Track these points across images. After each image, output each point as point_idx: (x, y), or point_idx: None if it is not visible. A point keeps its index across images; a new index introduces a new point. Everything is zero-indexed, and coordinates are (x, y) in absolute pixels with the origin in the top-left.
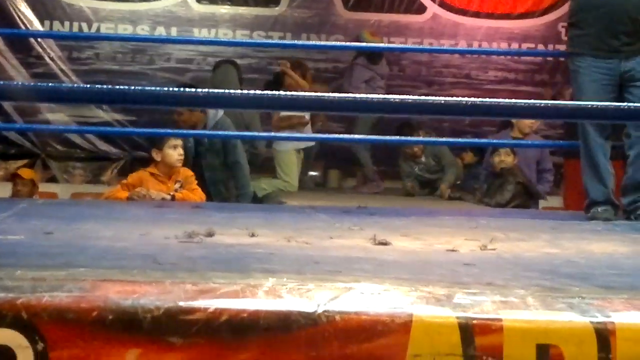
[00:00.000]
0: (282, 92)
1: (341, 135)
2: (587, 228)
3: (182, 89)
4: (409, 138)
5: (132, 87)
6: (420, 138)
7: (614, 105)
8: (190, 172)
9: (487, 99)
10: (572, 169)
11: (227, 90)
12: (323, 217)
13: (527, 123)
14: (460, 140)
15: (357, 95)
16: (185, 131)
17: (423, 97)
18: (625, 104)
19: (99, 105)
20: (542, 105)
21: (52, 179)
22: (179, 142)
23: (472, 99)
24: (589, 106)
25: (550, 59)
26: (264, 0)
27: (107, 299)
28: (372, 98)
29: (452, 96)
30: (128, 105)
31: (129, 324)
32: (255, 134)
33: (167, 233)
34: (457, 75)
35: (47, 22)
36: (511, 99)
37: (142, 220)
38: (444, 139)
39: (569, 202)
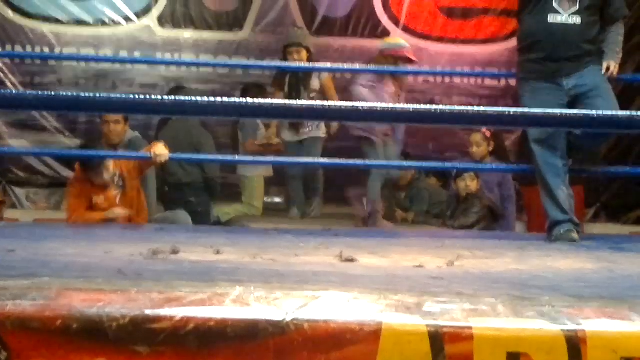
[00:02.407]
0: (257, 100)
1: (300, 159)
2: (552, 247)
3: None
4: (373, 162)
5: (108, 95)
6: (383, 162)
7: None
8: (130, 162)
9: (457, 107)
10: (531, 195)
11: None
12: (288, 238)
13: (478, 152)
14: (423, 164)
15: (328, 103)
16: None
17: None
18: (573, 110)
19: (60, 131)
20: (501, 113)
21: (14, 206)
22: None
23: (442, 106)
24: (542, 114)
25: (513, 84)
26: (227, 24)
27: (71, 307)
28: (344, 105)
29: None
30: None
31: (94, 333)
32: (205, 156)
33: (132, 251)
34: (421, 101)
35: (8, 47)
36: None
37: (105, 239)
38: (407, 163)
39: (533, 227)
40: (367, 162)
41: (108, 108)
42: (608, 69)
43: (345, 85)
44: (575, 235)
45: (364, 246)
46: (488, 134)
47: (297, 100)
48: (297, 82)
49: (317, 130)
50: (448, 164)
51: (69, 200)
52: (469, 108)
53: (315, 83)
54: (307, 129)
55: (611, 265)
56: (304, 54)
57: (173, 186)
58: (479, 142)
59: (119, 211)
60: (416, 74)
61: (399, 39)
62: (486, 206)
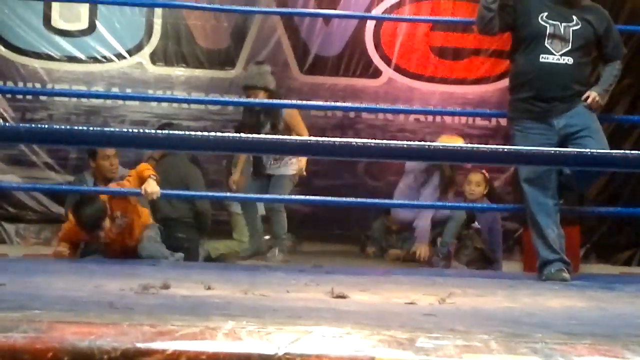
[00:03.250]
0: (251, 135)
1: (295, 197)
2: (544, 286)
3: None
4: (360, 200)
5: (102, 129)
6: (380, 200)
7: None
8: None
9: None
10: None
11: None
12: (279, 274)
13: (477, 191)
14: (413, 203)
15: (321, 139)
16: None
17: (382, 142)
18: (565, 149)
19: (50, 166)
20: (491, 150)
21: (3, 241)
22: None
23: (429, 143)
24: (532, 152)
25: (504, 124)
26: (219, 62)
27: (63, 340)
28: (333, 142)
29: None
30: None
31: None
32: (193, 193)
33: (122, 285)
34: (411, 140)
35: (0, 82)
36: None
37: (95, 274)
38: (398, 202)
39: (529, 267)
40: (359, 200)
41: (100, 142)
42: (588, 97)
43: (339, 124)
44: (566, 275)
45: (355, 283)
46: (487, 175)
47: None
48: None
49: (286, 167)
50: (445, 204)
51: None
52: (463, 145)
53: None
54: (271, 165)
55: (603, 304)
56: (262, 95)
57: (161, 222)
58: (480, 181)
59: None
60: (407, 112)
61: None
62: (479, 249)
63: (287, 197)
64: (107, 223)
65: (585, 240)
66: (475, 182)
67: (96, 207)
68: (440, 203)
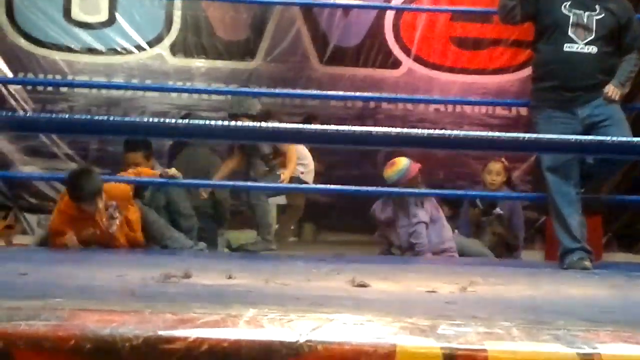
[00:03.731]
0: (268, 124)
1: (318, 186)
2: (565, 274)
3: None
4: (384, 189)
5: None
6: (398, 189)
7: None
8: (125, 190)
9: (470, 132)
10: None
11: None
12: (300, 264)
13: (497, 181)
14: (436, 191)
15: (340, 128)
16: (159, 179)
17: (405, 130)
18: (587, 137)
19: (71, 157)
20: (516, 138)
21: (25, 232)
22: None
23: (454, 132)
24: (557, 139)
25: (524, 114)
26: (239, 53)
27: (84, 327)
28: (354, 131)
29: (425, 150)
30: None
31: (107, 353)
32: (218, 182)
33: (144, 275)
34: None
35: (21, 75)
36: None
37: (117, 263)
38: (418, 190)
39: (550, 255)
40: (379, 189)
41: (119, 131)
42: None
43: (358, 115)
44: (587, 263)
45: (376, 272)
46: (507, 164)
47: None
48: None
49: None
50: (464, 192)
51: (53, 224)
52: (485, 133)
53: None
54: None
55: (625, 292)
56: (245, 120)
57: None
58: (500, 170)
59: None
60: (427, 102)
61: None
62: (498, 234)
63: (308, 186)
64: (100, 204)
65: (607, 229)
66: (495, 172)
67: (93, 179)
68: (462, 192)
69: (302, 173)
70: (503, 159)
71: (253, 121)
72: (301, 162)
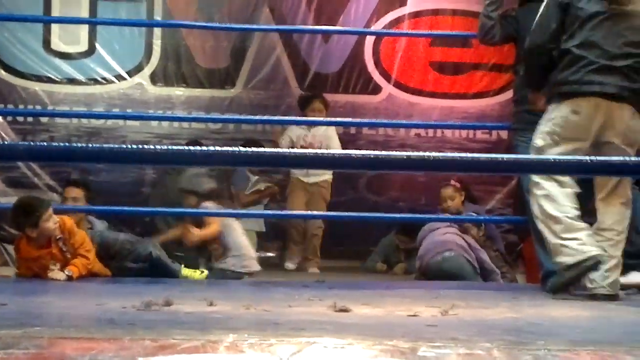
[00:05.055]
0: (261, 149)
1: (298, 212)
2: (547, 296)
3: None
4: (368, 214)
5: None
6: (383, 215)
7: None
8: (69, 222)
9: (449, 154)
10: (531, 247)
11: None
12: (281, 290)
13: (453, 205)
14: (419, 216)
15: (326, 151)
16: (158, 209)
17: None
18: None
19: (53, 189)
20: (499, 159)
21: (6, 263)
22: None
23: (435, 153)
24: (549, 160)
25: (505, 137)
26: (219, 82)
27: (64, 355)
28: (333, 154)
29: (406, 175)
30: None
31: None
32: (187, 210)
33: (124, 303)
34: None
35: (1, 106)
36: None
37: (97, 292)
38: (401, 215)
39: (532, 279)
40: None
41: (99, 158)
42: None
43: (340, 141)
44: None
45: (358, 297)
46: (459, 185)
47: None
48: None
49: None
50: (446, 216)
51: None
52: (465, 155)
53: None
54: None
55: (606, 313)
56: (192, 198)
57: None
58: (451, 194)
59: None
60: (408, 126)
61: None
62: (497, 251)
63: (291, 213)
64: (51, 224)
65: None
66: (448, 197)
67: (32, 204)
68: (448, 216)
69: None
70: (452, 181)
71: (199, 199)
72: (234, 253)
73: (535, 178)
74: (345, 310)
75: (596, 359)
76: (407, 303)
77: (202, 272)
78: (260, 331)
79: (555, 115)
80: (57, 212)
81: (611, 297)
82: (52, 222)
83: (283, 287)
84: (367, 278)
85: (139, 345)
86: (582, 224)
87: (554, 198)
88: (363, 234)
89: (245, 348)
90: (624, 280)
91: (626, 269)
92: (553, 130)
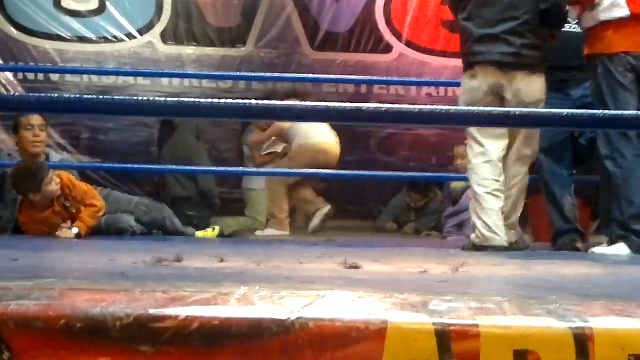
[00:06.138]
0: (264, 102)
1: (310, 171)
2: (557, 254)
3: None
4: (378, 173)
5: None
6: (392, 173)
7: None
8: (66, 176)
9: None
10: (536, 205)
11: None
12: (292, 247)
13: (463, 164)
14: (427, 175)
15: (330, 104)
16: (162, 167)
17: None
18: (578, 110)
19: (63, 147)
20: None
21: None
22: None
23: (447, 107)
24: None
25: None
26: (230, 40)
27: (75, 307)
28: (344, 107)
29: (417, 135)
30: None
31: (98, 332)
32: (203, 168)
33: (135, 259)
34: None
35: (12, 64)
36: None
37: (108, 249)
38: (411, 174)
39: (539, 237)
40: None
41: (109, 110)
42: None
43: (350, 100)
44: (579, 245)
45: (368, 255)
46: None
47: None
48: None
49: None
50: (456, 175)
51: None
52: (476, 109)
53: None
54: None
55: (617, 270)
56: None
57: (171, 201)
58: (464, 153)
59: (69, 233)
60: (420, 84)
61: None
62: None
63: (301, 171)
64: (53, 187)
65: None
66: (460, 155)
67: (33, 170)
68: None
69: None
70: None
71: None
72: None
73: None
74: (356, 267)
75: (608, 312)
76: (417, 261)
77: (214, 229)
78: (271, 284)
79: (463, 85)
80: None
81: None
82: (54, 184)
83: (294, 245)
84: (378, 237)
85: (150, 297)
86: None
87: None
88: (374, 193)
89: (256, 300)
90: (609, 250)
91: (616, 239)
92: (464, 98)
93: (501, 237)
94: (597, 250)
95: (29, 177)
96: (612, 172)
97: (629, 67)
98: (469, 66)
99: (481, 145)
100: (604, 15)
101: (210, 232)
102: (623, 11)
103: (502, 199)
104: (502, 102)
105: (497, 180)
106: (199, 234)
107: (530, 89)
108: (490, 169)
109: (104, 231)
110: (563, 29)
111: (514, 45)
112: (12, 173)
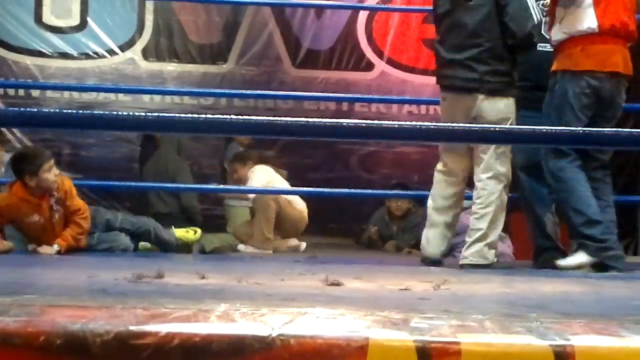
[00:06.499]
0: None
1: (291, 188)
2: (538, 272)
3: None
4: (358, 191)
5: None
6: (372, 191)
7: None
8: (69, 183)
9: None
10: (516, 222)
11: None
12: (273, 264)
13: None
14: (407, 193)
15: (312, 120)
16: (155, 184)
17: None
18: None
19: None
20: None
21: None
22: (52, 163)
23: (426, 123)
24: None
25: None
26: (211, 57)
27: (55, 323)
28: (324, 123)
29: (400, 152)
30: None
31: (78, 349)
32: (183, 185)
33: (116, 275)
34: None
35: None
36: None
37: (89, 265)
38: (391, 192)
39: (520, 254)
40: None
41: (89, 125)
42: None
43: (332, 117)
44: (560, 262)
45: (350, 272)
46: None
47: None
48: None
49: None
50: None
51: None
52: (458, 125)
53: None
54: None
55: (598, 288)
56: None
57: (153, 217)
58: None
59: (49, 249)
60: (401, 102)
61: None
62: None
63: (280, 189)
64: (51, 177)
65: None
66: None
67: (36, 154)
68: None
69: None
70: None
71: None
72: None
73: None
74: (337, 284)
75: (588, 330)
76: (399, 278)
77: (196, 232)
78: (252, 301)
79: (440, 105)
80: None
81: (476, 266)
82: (52, 174)
83: (275, 262)
84: (359, 254)
85: (130, 314)
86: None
87: None
88: (355, 211)
89: (237, 317)
90: (570, 261)
91: (576, 249)
92: (442, 118)
93: (434, 250)
94: (560, 262)
95: (29, 159)
96: (555, 187)
97: (588, 91)
98: (440, 88)
99: (443, 162)
100: (573, 27)
101: (192, 235)
102: (592, 22)
103: (449, 214)
104: (473, 122)
105: (446, 198)
106: (179, 233)
107: (495, 109)
108: (444, 186)
109: (97, 249)
110: (544, 49)
111: (477, 72)
112: (13, 155)
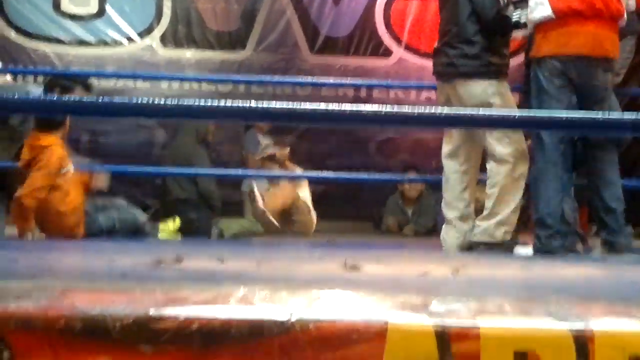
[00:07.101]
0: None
1: (309, 174)
2: (558, 257)
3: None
4: (376, 176)
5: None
6: (389, 176)
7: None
8: (58, 154)
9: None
10: None
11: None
12: (292, 249)
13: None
14: (425, 178)
15: (330, 106)
16: (163, 170)
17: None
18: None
19: None
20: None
21: None
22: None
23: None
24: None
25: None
26: (229, 44)
27: (75, 307)
28: (343, 109)
29: (417, 138)
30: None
31: (97, 333)
32: (202, 171)
33: (135, 261)
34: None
35: (11, 67)
36: None
37: (108, 250)
38: (408, 177)
39: None
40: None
41: (108, 112)
42: None
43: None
44: (579, 247)
45: (368, 256)
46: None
47: None
48: None
49: None
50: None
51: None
52: (476, 111)
53: None
54: None
55: (618, 272)
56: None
57: (171, 203)
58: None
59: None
60: (419, 88)
61: None
62: None
63: (299, 174)
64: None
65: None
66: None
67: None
68: None
69: None
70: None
71: None
72: None
73: None
74: (356, 268)
75: (609, 313)
76: (417, 262)
77: (174, 220)
78: (271, 285)
79: None
80: None
81: (485, 245)
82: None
83: (294, 246)
84: (378, 239)
85: (150, 298)
86: None
87: None
88: (372, 196)
89: (256, 301)
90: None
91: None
92: None
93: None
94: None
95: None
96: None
97: (556, 73)
98: None
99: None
100: (531, 17)
101: (171, 225)
102: (545, 9)
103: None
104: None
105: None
106: (162, 227)
107: (468, 94)
108: (451, 184)
109: (119, 231)
110: None
111: (448, 56)
112: None
